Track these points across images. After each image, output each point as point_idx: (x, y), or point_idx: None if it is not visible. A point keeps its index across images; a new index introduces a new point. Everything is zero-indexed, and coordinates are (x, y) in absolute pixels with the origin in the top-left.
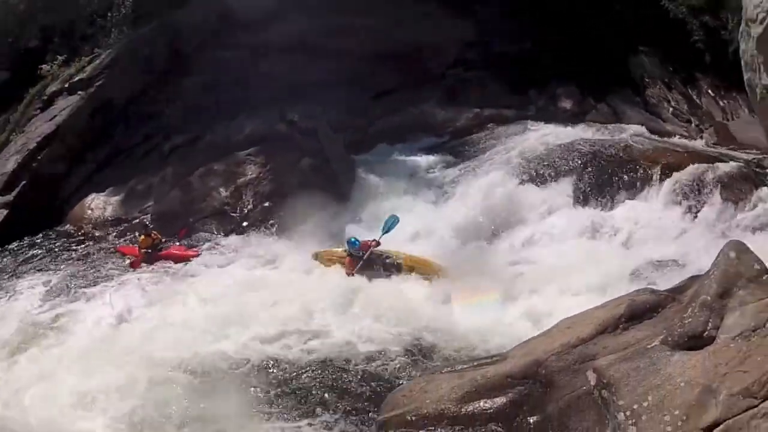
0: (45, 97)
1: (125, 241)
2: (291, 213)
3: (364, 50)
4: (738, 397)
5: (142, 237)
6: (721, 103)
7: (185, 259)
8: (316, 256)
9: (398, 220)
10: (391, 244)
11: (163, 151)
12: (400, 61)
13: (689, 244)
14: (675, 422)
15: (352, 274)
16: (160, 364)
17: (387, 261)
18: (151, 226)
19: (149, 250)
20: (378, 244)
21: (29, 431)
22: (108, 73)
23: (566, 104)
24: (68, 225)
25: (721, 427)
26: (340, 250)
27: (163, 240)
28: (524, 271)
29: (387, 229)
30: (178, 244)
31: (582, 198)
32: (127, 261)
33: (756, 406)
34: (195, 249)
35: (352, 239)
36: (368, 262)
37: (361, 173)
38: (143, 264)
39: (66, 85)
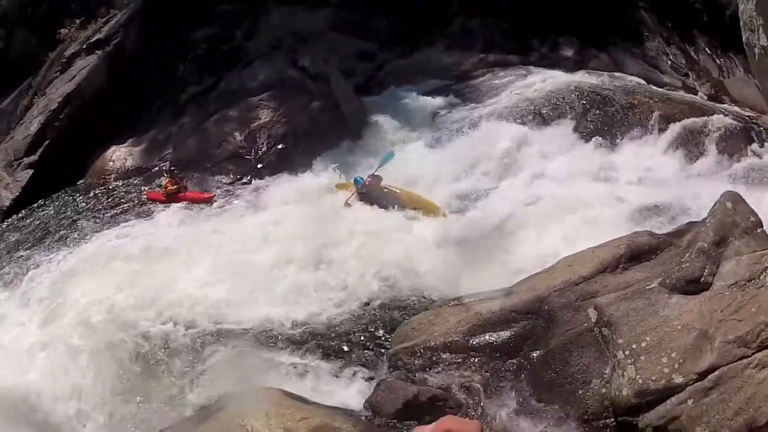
0: (64, 60)
1: (148, 188)
2: (304, 153)
3: None
4: (733, 345)
5: (168, 179)
6: (718, 61)
7: (203, 201)
8: (338, 186)
9: (393, 155)
10: (397, 182)
11: (180, 101)
12: (405, 10)
13: (685, 191)
14: (672, 364)
15: (349, 204)
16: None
17: (388, 194)
18: (175, 170)
19: (173, 190)
20: (378, 179)
21: None
22: (124, 32)
23: (567, 53)
24: (91, 178)
25: (716, 373)
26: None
27: (183, 184)
28: (527, 211)
29: (381, 163)
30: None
31: (583, 141)
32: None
33: (750, 356)
34: (209, 193)
35: (358, 178)
36: (371, 195)
37: (371, 114)
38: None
39: (84, 47)
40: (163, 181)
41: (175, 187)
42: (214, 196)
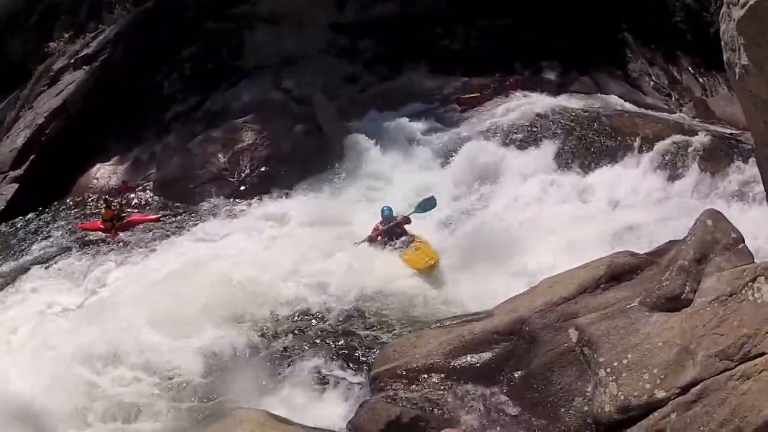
0: (52, 74)
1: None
2: (286, 176)
3: (353, 21)
4: (715, 358)
5: (104, 209)
6: (701, 80)
7: (150, 221)
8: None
9: (435, 203)
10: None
11: (165, 119)
12: (389, 33)
13: (667, 211)
14: (654, 380)
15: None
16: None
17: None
18: (111, 198)
19: (113, 221)
20: (408, 221)
21: None
22: (112, 48)
23: (550, 75)
24: (75, 195)
25: (699, 386)
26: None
27: (124, 208)
28: (510, 234)
29: (422, 210)
30: (136, 211)
31: (565, 163)
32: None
33: (733, 368)
34: (155, 214)
35: (385, 208)
36: (390, 234)
37: (354, 138)
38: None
39: (72, 61)
40: (102, 212)
41: (111, 218)
42: (160, 216)
